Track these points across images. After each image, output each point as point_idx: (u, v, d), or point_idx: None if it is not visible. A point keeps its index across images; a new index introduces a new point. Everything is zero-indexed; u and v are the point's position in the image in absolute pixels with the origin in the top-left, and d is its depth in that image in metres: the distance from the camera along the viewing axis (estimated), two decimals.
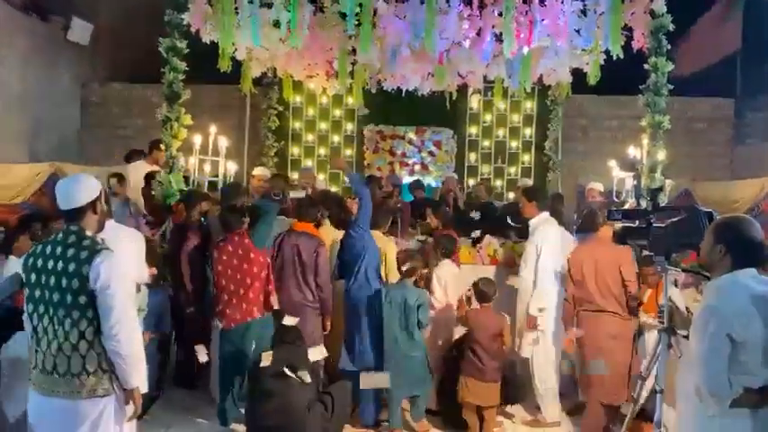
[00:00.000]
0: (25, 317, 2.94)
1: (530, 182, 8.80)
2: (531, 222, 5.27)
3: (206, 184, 6.80)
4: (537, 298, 5.05)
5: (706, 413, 2.56)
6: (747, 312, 2.47)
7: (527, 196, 5.41)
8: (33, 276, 2.87)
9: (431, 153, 10.38)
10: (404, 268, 4.94)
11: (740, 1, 10.03)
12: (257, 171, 7.37)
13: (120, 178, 7.18)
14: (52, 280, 2.81)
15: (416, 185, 8.36)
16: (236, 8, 6.22)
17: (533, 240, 5.17)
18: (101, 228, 3.00)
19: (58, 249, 2.85)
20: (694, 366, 2.57)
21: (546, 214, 5.26)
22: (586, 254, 4.82)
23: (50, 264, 2.83)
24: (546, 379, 5.14)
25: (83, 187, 2.92)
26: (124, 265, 2.93)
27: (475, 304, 4.97)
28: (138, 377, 2.92)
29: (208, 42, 6.67)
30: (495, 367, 4.74)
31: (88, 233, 2.91)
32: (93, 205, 2.93)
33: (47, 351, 2.84)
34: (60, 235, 2.90)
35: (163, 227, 6.21)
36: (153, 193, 6.54)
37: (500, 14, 6.17)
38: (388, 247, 5.38)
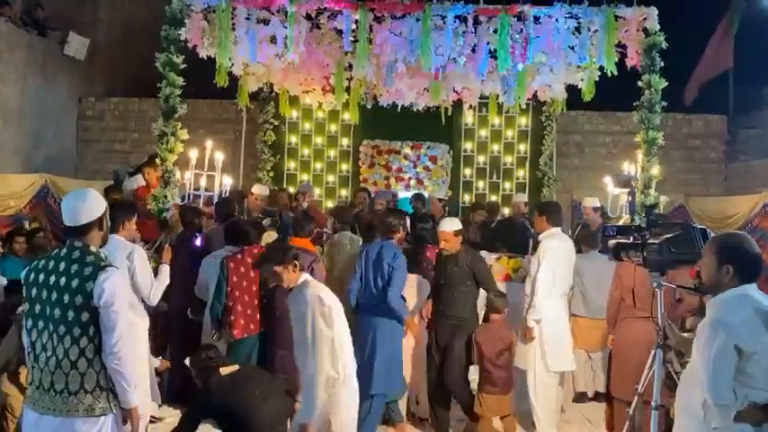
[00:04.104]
0: (23, 332, 2.90)
1: (524, 197, 8.83)
2: (540, 237, 5.31)
3: (201, 198, 6.79)
4: (532, 310, 5.06)
5: (709, 426, 2.56)
6: (754, 324, 2.49)
7: (539, 210, 5.47)
8: (34, 291, 2.83)
9: (426, 168, 10.39)
10: None
11: (734, 20, 10.14)
12: (255, 189, 7.42)
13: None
14: (54, 295, 2.77)
15: (416, 198, 8.35)
16: (234, 24, 6.27)
17: (537, 254, 5.20)
18: (103, 243, 2.99)
19: (62, 265, 2.81)
20: (698, 380, 2.58)
21: (556, 229, 5.27)
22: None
23: (52, 279, 2.79)
24: (543, 393, 5.12)
25: (90, 204, 2.89)
26: (127, 283, 2.93)
27: None
28: (137, 396, 2.88)
29: (205, 57, 6.70)
30: (504, 379, 4.97)
31: (92, 249, 2.88)
32: (99, 222, 2.90)
33: (44, 368, 2.79)
34: (64, 250, 2.86)
35: (158, 241, 6.20)
36: (149, 207, 6.53)
37: (495, 31, 6.23)
38: None
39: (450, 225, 5.17)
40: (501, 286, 5.86)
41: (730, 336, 2.49)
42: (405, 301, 4.93)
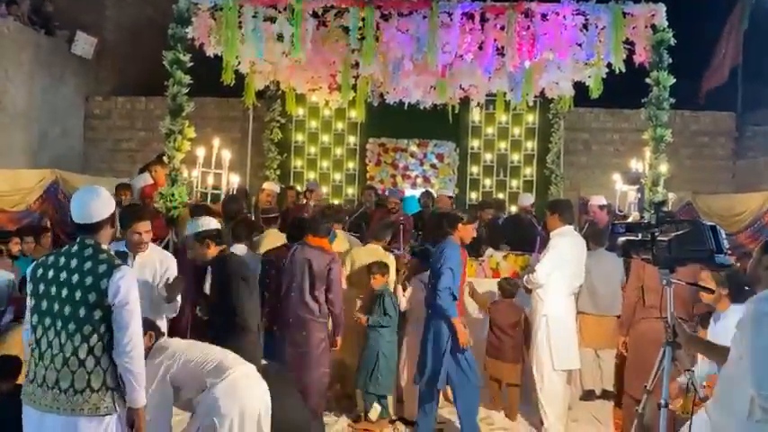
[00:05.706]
0: (28, 328, 2.87)
1: (531, 195, 8.79)
2: (552, 234, 5.28)
3: (209, 196, 6.82)
4: (527, 277, 5.24)
5: (753, 421, 2.54)
6: None
7: (550, 208, 5.43)
8: (42, 287, 2.79)
9: (433, 166, 10.40)
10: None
11: (743, 17, 10.08)
12: (266, 185, 7.54)
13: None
14: (64, 292, 2.74)
15: (425, 196, 8.32)
16: (240, 22, 6.28)
17: (545, 251, 5.19)
18: (110, 241, 2.99)
19: (73, 262, 2.78)
20: (744, 376, 2.55)
21: (568, 227, 5.24)
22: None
23: (63, 275, 2.76)
24: (551, 391, 5.10)
25: (101, 202, 2.88)
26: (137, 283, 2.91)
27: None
28: (145, 396, 2.86)
29: (211, 56, 6.71)
30: (513, 349, 5.44)
31: (104, 247, 2.86)
32: (110, 220, 2.89)
33: (50, 365, 2.75)
34: (75, 247, 2.83)
35: (165, 239, 6.22)
36: (156, 205, 6.55)
37: (502, 28, 6.21)
38: (388, 260, 5.40)
39: (195, 226, 4.12)
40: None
41: None
42: (455, 299, 4.77)
